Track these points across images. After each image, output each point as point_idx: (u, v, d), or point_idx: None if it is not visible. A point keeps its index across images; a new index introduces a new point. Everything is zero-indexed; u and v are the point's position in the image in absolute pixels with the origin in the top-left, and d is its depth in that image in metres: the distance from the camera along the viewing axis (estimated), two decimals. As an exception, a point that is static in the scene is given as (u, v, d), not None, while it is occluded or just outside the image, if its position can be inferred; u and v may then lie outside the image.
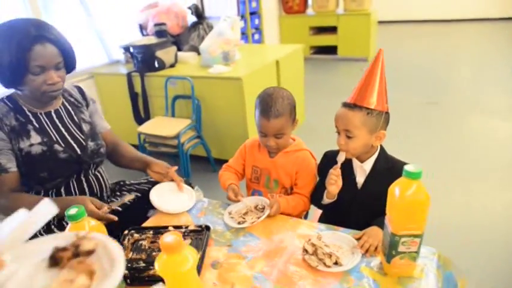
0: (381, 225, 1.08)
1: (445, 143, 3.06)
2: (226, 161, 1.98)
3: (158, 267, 0.71)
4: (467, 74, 4.87)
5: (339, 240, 1.12)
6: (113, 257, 0.58)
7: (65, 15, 3.04)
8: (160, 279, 0.86)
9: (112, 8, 3.57)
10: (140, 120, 3.00)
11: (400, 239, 0.92)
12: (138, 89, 2.91)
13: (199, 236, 1.19)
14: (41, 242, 0.64)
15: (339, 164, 1.19)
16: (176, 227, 1.23)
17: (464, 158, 2.81)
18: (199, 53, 2.99)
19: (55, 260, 0.59)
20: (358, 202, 1.24)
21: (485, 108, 3.65)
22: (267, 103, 1.29)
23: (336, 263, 1.02)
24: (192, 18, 3.35)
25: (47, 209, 0.60)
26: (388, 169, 1.19)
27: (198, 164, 2.80)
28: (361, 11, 5.55)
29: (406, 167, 0.88)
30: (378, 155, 1.23)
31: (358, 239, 1.09)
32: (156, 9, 3.29)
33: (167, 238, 0.69)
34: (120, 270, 0.56)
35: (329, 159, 1.31)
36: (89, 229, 0.87)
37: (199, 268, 1.03)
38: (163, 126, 2.53)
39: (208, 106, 2.66)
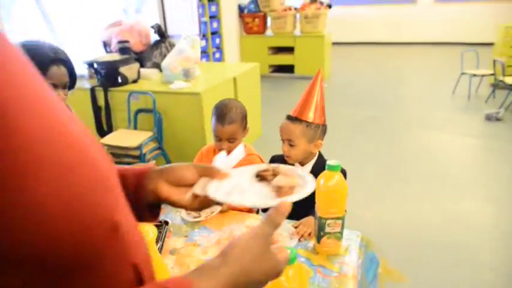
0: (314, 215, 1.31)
1: (385, 151, 3.42)
2: None
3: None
4: (410, 92, 5.35)
5: (280, 228, 1.31)
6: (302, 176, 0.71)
7: (27, 30, 3.11)
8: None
9: (75, 25, 3.68)
10: (103, 133, 3.10)
11: (326, 221, 1.14)
12: (101, 102, 3.02)
13: (159, 229, 1.35)
14: (242, 169, 0.73)
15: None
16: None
17: (401, 164, 3.16)
18: (161, 70, 3.16)
19: (261, 177, 0.70)
20: (298, 202, 1.44)
21: (424, 123, 4.07)
22: (222, 111, 1.50)
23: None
24: (155, 37, 3.52)
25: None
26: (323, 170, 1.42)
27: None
28: (316, 33, 5.96)
29: (328, 162, 1.09)
30: (316, 160, 1.45)
31: (296, 227, 1.30)
32: (119, 27, 3.44)
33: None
34: (311, 181, 0.69)
35: (275, 161, 1.52)
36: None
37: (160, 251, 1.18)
38: (126, 138, 2.66)
39: (169, 119, 2.82)
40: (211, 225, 1.37)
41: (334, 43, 6.82)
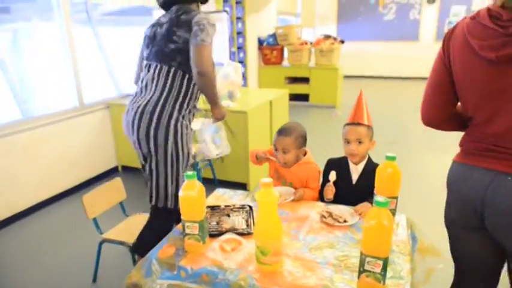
0: (369, 202, 1.68)
1: (404, 172, 3.78)
2: (228, 182, 2.53)
3: (257, 197, 1.24)
4: (418, 120, 5.79)
5: (340, 210, 1.68)
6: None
7: (84, 54, 3.56)
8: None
9: (122, 47, 4.17)
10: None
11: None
12: (153, 118, 3.42)
13: (244, 210, 1.71)
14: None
15: (331, 182, 1.79)
16: (226, 206, 1.74)
17: (419, 182, 3.54)
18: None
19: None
20: (353, 193, 1.81)
21: (435, 146, 4.48)
22: (284, 126, 1.90)
23: (344, 221, 1.59)
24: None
25: None
26: (373, 170, 1.79)
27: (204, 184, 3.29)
28: (330, 65, 6.48)
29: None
30: (367, 160, 1.84)
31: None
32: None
33: (264, 179, 1.23)
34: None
35: (330, 164, 1.90)
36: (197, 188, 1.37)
37: (252, 228, 1.53)
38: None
39: (215, 134, 3.22)
40: (287, 209, 1.73)
41: (345, 76, 7.35)
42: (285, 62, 6.95)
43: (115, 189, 2.17)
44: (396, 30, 9.89)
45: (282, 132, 1.86)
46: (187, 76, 1.91)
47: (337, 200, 1.83)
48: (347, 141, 1.77)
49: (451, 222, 1.45)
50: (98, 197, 2.04)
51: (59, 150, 3.27)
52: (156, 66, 1.92)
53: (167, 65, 1.90)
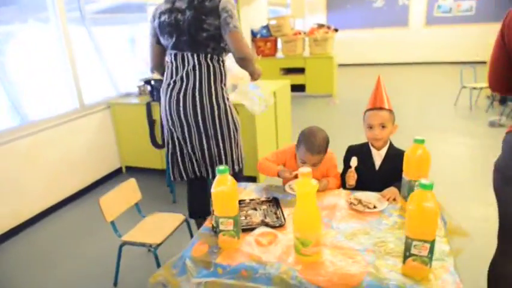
0: (395, 186, 1.66)
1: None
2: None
3: (296, 187, 1.21)
4: (415, 105, 5.82)
5: (368, 196, 1.66)
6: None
7: (81, 54, 3.47)
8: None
9: (118, 46, 4.08)
10: (156, 144, 3.43)
11: (415, 182, 1.47)
12: (156, 116, 3.36)
13: (270, 203, 1.68)
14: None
15: (353, 168, 1.76)
16: (251, 199, 1.71)
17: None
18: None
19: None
20: (377, 179, 1.79)
21: (435, 129, 4.50)
22: (312, 141, 1.76)
23: (374, 207, 1.57)
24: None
25: None
26: (396, 155, 1.78)
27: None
28: (325, 54, 6.45)
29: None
30: (389, 145, 1.82)
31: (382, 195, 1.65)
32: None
33: (302, 169, 1.19)
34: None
35: (351, 151, 1.88)
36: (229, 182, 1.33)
37: (284, 220, 1.50)
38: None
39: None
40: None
41: (339, 64, 7.33)
42: (279, 53, 6.90)
43: (130, 191, 2.12)
44: (386, 17, 9.90)
45: (313, 150, 1.76)
46: (221, 59, 2.12)
47: (360, 186, 1.81)
48: (369, 127, 1.75)
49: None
50: (114, 199, 1.99)
51: (62, 154, 3.20)
52: (193, 55, 2.04)
53: (203, 52, 2.04)
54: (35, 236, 2.83)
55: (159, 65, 2.24)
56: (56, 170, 3.14)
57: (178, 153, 2.23)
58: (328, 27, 6.55)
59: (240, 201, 1.67)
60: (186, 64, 2.05)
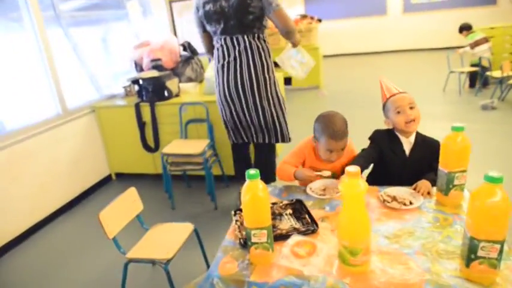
0: (427, 179, 1.54)
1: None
2: (234, 176, 2.54)
3: (342, 188, 1.06)
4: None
5: (399, 192, 1.53)
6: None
7: (59, 56, 3.20)
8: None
9: (99, 48, 3.81)
10: (149, 148, 3.22)
11: (455, 174, 1.35)
12: (146, 118, 3.14)
13: (296, 206, 1.52)
14: None
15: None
16: (273, 203, 1.54)
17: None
18: (198, 83, 3.35)
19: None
20: (408, 166, 1.67)
21: (428, 115, 4.43)
22: (335, 128, 1.62)
23: (410, 203, 1.43)
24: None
25: None
26: (423, 141, 1.67)
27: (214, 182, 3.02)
28: (310, 45, 6.30)
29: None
30: (416, 132, 1.69)
31: (414, 189, 1.52)
32: (149, 47, 3.59)
33: (350, 168, 1.04)
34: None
35: (378, 136, 1.75)
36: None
37: (316, 225, 1.34)
38: (185, 146, 2.79)
39: (219, 128, 2.98)
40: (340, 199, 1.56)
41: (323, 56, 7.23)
42: (263, 47, 6.71)
43: (131, 201, 1.92)
44: (364, 6, 9.86)
45: (337, 136, 1.63)
46: (265, 36, 2.39)
47: (389, 176, 1.69)
48: (398, 112, 1.62)
49: None
50: (114, 212, 1.79)
51: (46, 165, 2.94)
52: (243, 37, 2.30)
53: (251, 33, 2.30)
54: (22, 257, 2.58)
55: (211, 49, 2.51)
56: (40, 182, 2.89)
57: (238, 124, 2.52)
58: (312, 18, 6.42)
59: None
60: (237, 45, 2.32)
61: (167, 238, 1.88)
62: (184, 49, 3.59)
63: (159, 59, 3.44)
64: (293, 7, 10.11)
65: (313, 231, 1.31)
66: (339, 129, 1.63)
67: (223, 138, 2.99)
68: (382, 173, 1.73)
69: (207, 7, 2.30)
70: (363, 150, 1.77)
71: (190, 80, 3.49)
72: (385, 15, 9.81)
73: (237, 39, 2.31)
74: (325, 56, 9.04)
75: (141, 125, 3.17)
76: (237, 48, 2.32)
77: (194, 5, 2.40)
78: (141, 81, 3.09)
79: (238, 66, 2.34)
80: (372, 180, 1.82)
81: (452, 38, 8.72)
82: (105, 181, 3.52)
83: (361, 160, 1.65)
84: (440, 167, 1.43)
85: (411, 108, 1.61)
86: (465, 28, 5.54)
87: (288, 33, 2.34)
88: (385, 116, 1.72)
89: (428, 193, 1.50)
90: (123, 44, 4.21)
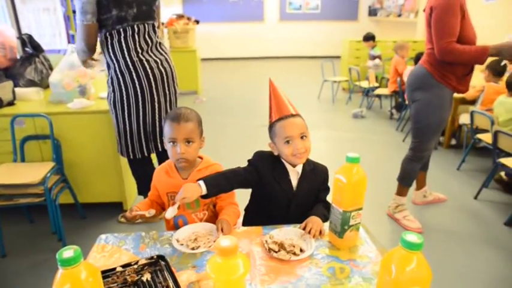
0: (316, 214, 1.30)
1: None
2: (96, 204, 1.89)
3: (210, 270, 0.70)
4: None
5: (288, 234, 1.26)
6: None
7: None
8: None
9: None
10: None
11: (351, 214, 1.14)
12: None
13: (156, 267, 1.12)
14: None
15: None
16: (125, 266, 1.11)
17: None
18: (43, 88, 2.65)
19: None
20: (296, 200, 1.40)
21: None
22: (177, 112, 1.36)
23: (301, 251, 1.16)
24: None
25: None
26: (311, 170, 1.41)
27: (63, 212, 2.39)
28: (187, 47, 5.93)
29: (348, 155, 1.10)
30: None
31: (303, 229, 1.26)
32: (-29, 39, 2.73)
33: (224, 242, 0.69)
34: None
35: (262, 160, 1.41)
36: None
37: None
38: (18, 173, 2.10)
39: (69, 145, 2.37)
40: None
41: (201, 59, 6.91)
42: (135, 47, 6.06)
43: None
44: (242, 11, 9.90)
45: (179, 118, 1.34)
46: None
47: (272, 211, 1.40)
48: (287, 141, 1.32)
49: None
50: None
51: None
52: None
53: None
54: None
55: (95, 46, 2.05)
56: None
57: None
58: (189, 19, 6.04)
59: (105, 275, 1.06)
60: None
61: None
62: (24, 44, 2.83)
63: (-15, 55, 2.62)
64: (170, 6, 9.58)
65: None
66: (183, 113, 1.37)
67: (76, 159, 2.39)
68: (263, 207, 1.43)
69: None
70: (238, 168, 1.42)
71: (32, 83, 2.75)
72: (262, 21, 10.01)
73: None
74: (203, 59, 8.80)
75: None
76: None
77: None
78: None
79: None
80: (251, 215, 1.53)
81: (324, 48, 9.37)
82: None
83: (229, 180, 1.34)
84: (333, 204, 1.19)
85: (302, 137, 1.32)
86: (372, 38, 5.51)
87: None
88: (270, 138, 1.42)
89: (320, 232, 1.26)
90: None
